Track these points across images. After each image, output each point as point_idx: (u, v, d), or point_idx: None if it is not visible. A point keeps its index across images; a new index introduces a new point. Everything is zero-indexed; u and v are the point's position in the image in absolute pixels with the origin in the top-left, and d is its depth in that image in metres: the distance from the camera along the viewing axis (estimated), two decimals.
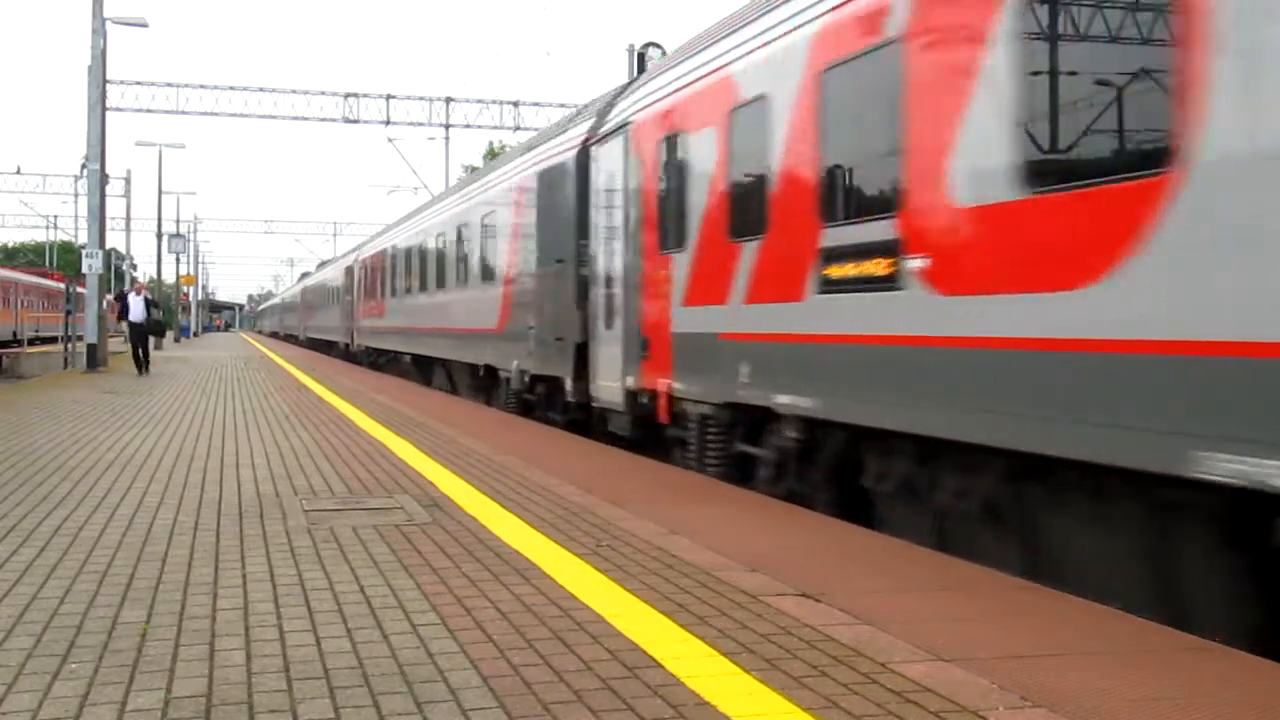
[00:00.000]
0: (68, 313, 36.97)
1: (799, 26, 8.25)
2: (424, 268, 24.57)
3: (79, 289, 30.56)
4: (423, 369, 25.90)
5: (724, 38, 9.75)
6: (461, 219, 20.65)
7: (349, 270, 39.60)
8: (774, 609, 5.01)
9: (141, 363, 26.25)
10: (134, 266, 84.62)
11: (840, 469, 8.15)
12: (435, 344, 22.91)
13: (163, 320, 33.01)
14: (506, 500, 7.99)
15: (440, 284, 22.51)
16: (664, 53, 15.36)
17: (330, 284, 47.50)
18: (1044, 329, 5.72)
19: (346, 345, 39.88)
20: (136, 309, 26.78)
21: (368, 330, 34.44)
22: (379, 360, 32.81)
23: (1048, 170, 5.80)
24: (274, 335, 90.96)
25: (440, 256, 22.69)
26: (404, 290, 27.12)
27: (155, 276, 66.23)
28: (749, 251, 8.90)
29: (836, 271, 7.70)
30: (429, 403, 17.81)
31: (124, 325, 27.80)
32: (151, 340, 28.05)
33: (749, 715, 3.71)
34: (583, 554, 6.18)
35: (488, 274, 18.26)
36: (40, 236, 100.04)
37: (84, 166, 30.52)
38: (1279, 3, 4.55)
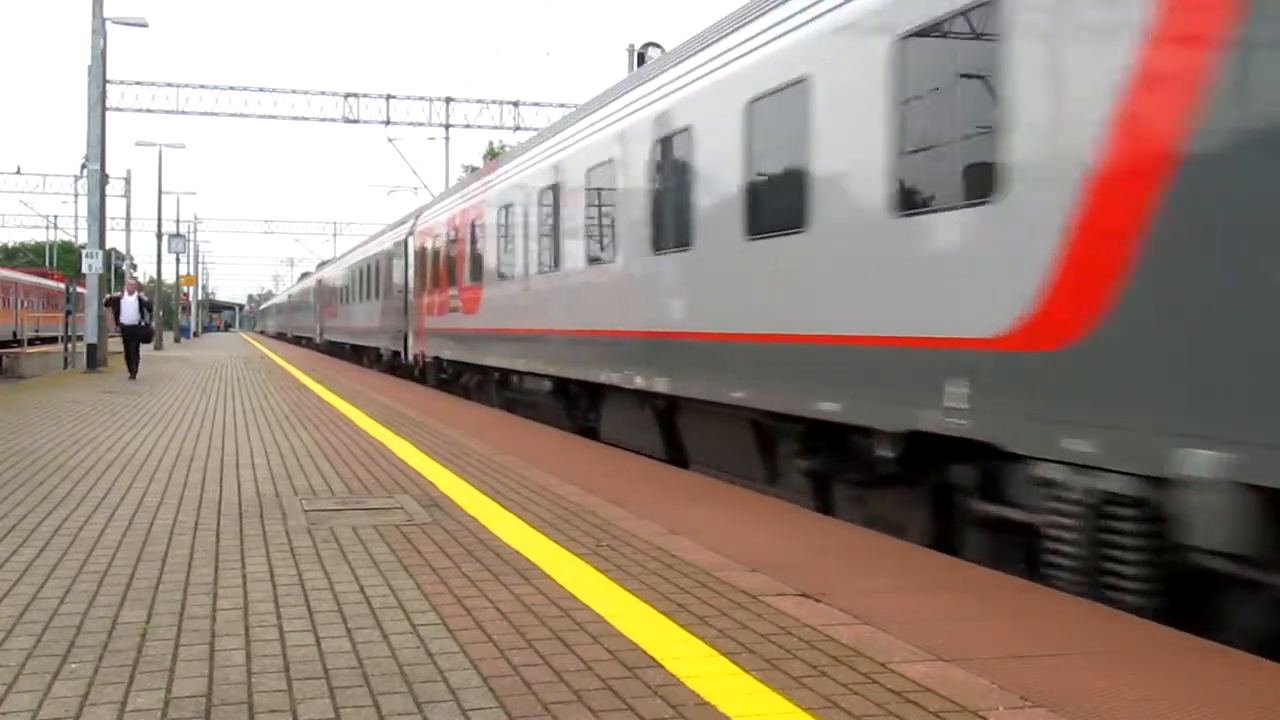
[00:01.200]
0: (68, 313, 36.93)
1: None
2: (611, 215, 12.50)
3: (79, 289, 30.53)
4: (577, 408, 14.37)
5: None
6: (780, 73, 8.56)
7: (399, 250, 28.13)
8: (774, 609, 5.01)
9: (132, 365, 24.41)
10: (134, 266, 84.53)
11: None
12: (668, 367, 10.74)
13: (151, 326, 31.73)
14: (506, 500, 7.99)
15: (679, 239, 10.49)
16: (664, 52, 13.95)
17: (364, 271, 35.02)
18: None
19: (396, 354, 28.36)
20: (129, 311, 25.13)
21: (440, 336, 22.59)
22: (465, 381, 20.95)
23: None
24: (280, 337, 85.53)
25: (675, 184, 10.65)
26: (536, 266, 15.43)
27: (155, 276, 66.30)
28: None
29: None
30: (429, 402, 17.80)
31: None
32: (141, 346, 25.99)
33: (749, 715, 3.71)
34: (583, 554, 6.18)
35: (984, 180, 6.25)
36: (40, 236, 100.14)
37: (84, 166, 30.54)
38: None
